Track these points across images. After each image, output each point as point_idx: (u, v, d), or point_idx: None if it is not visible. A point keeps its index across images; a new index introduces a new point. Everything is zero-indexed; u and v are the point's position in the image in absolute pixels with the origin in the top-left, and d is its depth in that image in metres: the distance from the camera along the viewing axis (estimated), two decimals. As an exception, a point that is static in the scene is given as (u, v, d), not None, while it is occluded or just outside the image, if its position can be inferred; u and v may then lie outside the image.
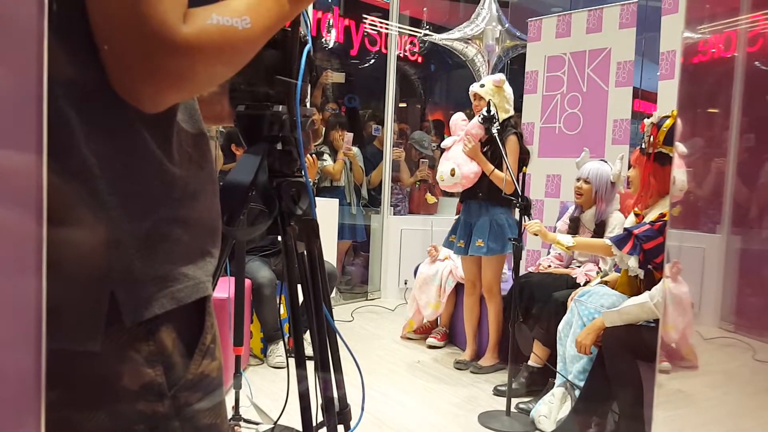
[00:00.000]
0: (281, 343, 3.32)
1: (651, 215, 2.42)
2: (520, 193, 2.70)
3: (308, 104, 1.55)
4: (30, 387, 0.44)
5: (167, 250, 0.66)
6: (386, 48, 5.40)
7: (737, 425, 1.27)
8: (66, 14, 0.58)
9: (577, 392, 2.50)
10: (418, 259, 4.54)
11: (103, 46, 0.58)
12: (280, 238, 1.16)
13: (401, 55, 6.02)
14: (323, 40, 5.80)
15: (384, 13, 5.42)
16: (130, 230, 0.62)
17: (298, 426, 1.13)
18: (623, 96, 4.12)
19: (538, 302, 3.08)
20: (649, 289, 2.35)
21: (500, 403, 2.78)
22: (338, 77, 5.28)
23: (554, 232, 3.15)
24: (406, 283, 5.02)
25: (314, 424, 1.16)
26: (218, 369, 0.73)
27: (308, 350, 1.29)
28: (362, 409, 1.28)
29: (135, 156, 0.64)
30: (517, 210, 2.74)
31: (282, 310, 3.37)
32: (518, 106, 4.97)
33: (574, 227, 3.22)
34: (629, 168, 2.65)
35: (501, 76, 3.32)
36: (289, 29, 1.10)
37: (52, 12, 0.55)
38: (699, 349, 1.74)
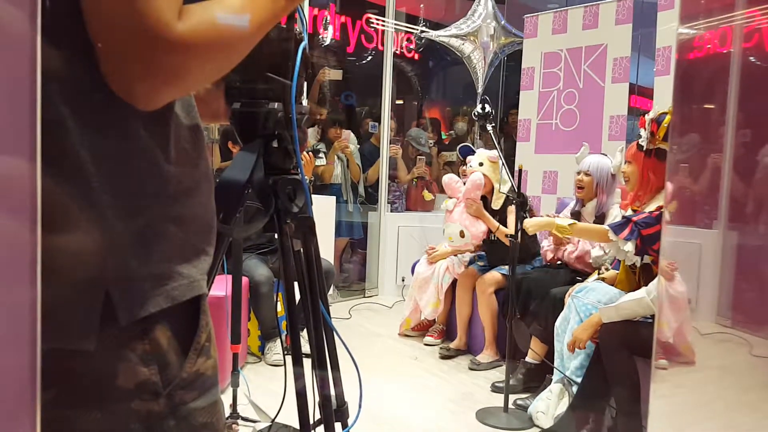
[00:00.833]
0: (279, 341, 3.32)
1: (649, 208, 2.43)
2: (516, 190, 2.69)
3: (304, 102, 1.54)
4: (25, 387, 0.43)
5: (162, 249, 0.66)
6: (383, 45, 5.39)
7: (734, 420, 1.28)
8: (60, 12, 0.57)
9: (574, 388, 2.51)
10: (415, 256, 4.54)
11: (99, 43, 0.58)
12: (277, 235, 1.15)
13: (398, 52, 6.01)
14: (320, 37, 5.78)
15: (380, 10, 5.42)
16: (124, 228, 0.62)
17: (296, 424, 1.13)
18: (620, 92, 4.12)
19: (535, 298, 3.08)
20: (648, 285, 2.36)
21: (498, 400, 2.79)
22: (336, 74, 5.27)
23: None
24: (403, 280, 5.02)
25: (311, 421, 1.16)
26: (213, 367, 0.72)
27: (306, 348, 1.29)
28: (359, 406, 1.28)
29: (130, 154, 0.63)
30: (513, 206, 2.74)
31: (279, 308, 3.37)
32: (515, 103, 4.97)
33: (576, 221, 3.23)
34: (625, 163, 2.66)
35: (494, 153, 3.45)
36: (284, 26, 1.10)
37: (46, 9, 0.55)
38: (696, 344, 1.75)
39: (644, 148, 2.43)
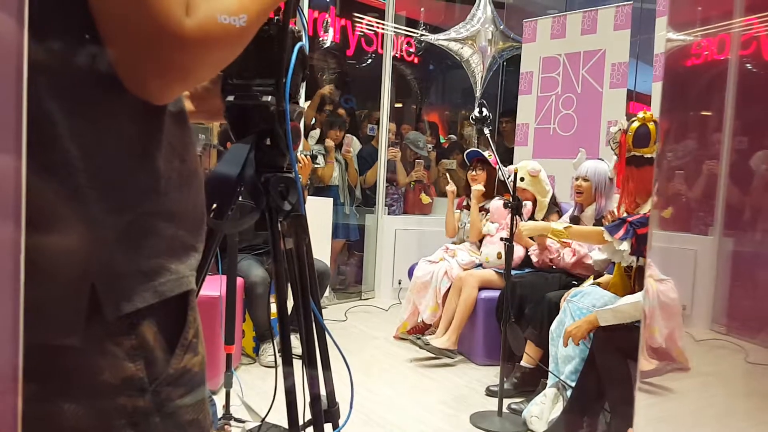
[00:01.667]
0: (273, 342, 3.31)
1: (644, 210, 2.44)
2: (512, 194, 2.70)
3: (301, 102, 1.54)
4: (7, 382, 0.43)
5: (150, 244, 0.65)
6: (382, 48, 5.40)
7: (728, 426, 1.27)
8: (56, 7, 0.57)
9: (569, 393, 2.50)
10: (412, 259, 4.53)
11: (109, 41, 0.58)
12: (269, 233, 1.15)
13: (398, 55, 6.02)
14: (320, 39, 5.79)
15: (380, 14, 5.42)
16: (111, 223, 0.62)
17: (286, 424, 1.13)
18: (617, 97, 4.13)
19: (530, 302, 3.08)
20: (642, 289, 2.36)
21: (492, 404, 2.78)
22: (333, 94, 5.28)
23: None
24: (400, 283, 5.01)
25: (302, 422, 1.16)
26: (201, 364, 0.72)
27: (299, 349, 1.28)
28: (351, 407, 1.28)
29: (118, 148, 0.63)
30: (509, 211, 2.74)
31: (273, 310, 3.36)
32: (513, 107, 4.98)
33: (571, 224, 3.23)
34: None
35: (536, 167, 3.59)
36: (281, 22, 1.10)
37: (39, 3, 0.55)
38: (690, 350, 1.74)
39: (617, 160, 2.48)
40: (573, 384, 2.47)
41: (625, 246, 2.34)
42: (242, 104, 1.10)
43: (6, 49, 0.41)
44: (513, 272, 2.88)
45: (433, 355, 3.52)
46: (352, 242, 5.49)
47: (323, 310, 4.28)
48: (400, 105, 6.86)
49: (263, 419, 1.46)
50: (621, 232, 2.34)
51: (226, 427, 2.30)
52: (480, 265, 3.75)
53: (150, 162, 0.65)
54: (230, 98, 1.10)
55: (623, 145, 2.43)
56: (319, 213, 4.43)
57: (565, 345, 2.46)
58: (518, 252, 3.51)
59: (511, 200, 2.68)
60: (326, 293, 4.55)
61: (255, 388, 2.83)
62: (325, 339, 1.26)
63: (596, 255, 2.98)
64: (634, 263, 2.44)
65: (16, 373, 0.44)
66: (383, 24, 5.21)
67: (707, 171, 1.50)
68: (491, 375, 3.29)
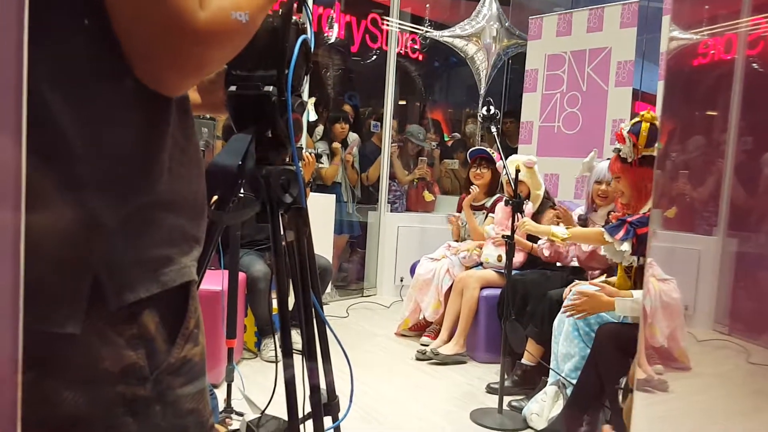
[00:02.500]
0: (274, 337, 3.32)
1: (644, 210, 2.43)
2: (513, 191, 2.69)
3: (304, 96, 1.53)
4: (6, 371, 0.43)
5: (152, 234, 0.66)
6: (387, 45, 5.39)
7: (730, 427, 1.27)
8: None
9: (569, 390, 2.50)
10: (414, 256, 4.53)
11: (125, 34, 0.59)
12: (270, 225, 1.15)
13: (402, 52, 6.00)
14: (324, 35, 5.78)
15: (385, 10, 5.41)
16: (113, 213, 0.62)
17: (286, 416, 1.12)
18: (623, 96, 4.11)
19: (532, 300, 3.07)
20: (641, 286, 2.35)
21: (492, 401, 2.78)
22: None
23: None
24: (402, 281, 5.01)
25: (300, 410, 1.16)
26: (201, 354, 0.72)
27: (299, 343, 1.28)
28: (350, 400, 1.27)
29: (123, 138, 0.64)
30: (510, 207, 2.73)
31: (275, 305, 3.36)
32: (518, 105, 4.97)
33: (583, 226, 3.22)
34: (612, 179, 2.66)
35: (532, 159, 3.59)
36: (285, 12, 1.10)
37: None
38: (692, 351, 1.74)
39: (628, 160, 2.44)
40: (574, 382, 2.47)
41: (626, 246, 2.33)
42: (243, 94, 1.10)
43: (6, 39, 0.41)
44: (513, 272, 2.87)
45: (415, 357, 3.54)
46: (353, 238, 5.49)
47: (325, 307, 4.27)
48: (403, 102, 6.84)
49: (263, 411, 1.46)
50: (621, 233, 2.34)
51: (227, 419, 2.30)
52: (480, 264, 3.75)
53: (154, 152, 0.65)
54: (232, 88, 1.10)
55: (637, 145, 2.41)
56: (321, 209, 4.43)
57: (567, 316, 2.45)
58: (518, 258, 3.50)
59: (513, 197, 2.68)
60: (328, 289, 4.55)
61: (256, 382, 2.83)
62: (326, 332, 1.25)
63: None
64: (635, 263, 2.43)
65: (16, 363, 0.44)
66: (388, 20, 5.20)
67: (712, 171, 1.49)
68: (492, 372, 3.29)
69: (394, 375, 3.23)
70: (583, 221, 3.22)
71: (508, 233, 2.71)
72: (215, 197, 1.08)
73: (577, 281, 3.08)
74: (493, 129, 2.95)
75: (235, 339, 2.37)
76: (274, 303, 3.34)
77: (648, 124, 2.37)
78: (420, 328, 3.96)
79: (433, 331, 3.83)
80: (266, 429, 1.42)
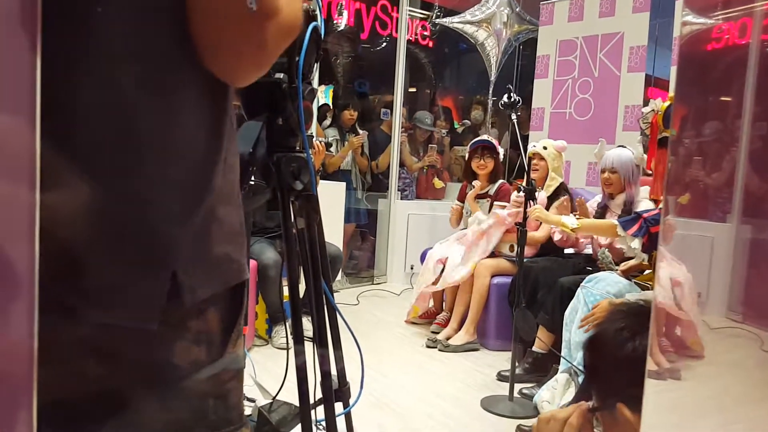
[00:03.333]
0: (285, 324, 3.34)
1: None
2: (526, 178, 2.68)
3: (315, 83, 1.53)
4: (22, 360, 0.43)
5: (216, 231, 0.66)
6: (397, 32, 5.35)
7: (743, 414, 1.26)
8: None
9: (580, 378, 2.50)
10: (424, 244, 4.53)
11: (202, 26, 0.59)
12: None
13: (412, 39, 5.97)
14: (334, 23, 5.75)
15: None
16: (192, 209, 0.62)
17: (297, 402, 1.13)
18: (635, 82, 4.07)
19: (543, 288, 3.06)
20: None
21: (503, 388, 2.79)
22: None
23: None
24: (412, 268, 5.01)
25: (312, 400, 1.16)
26: (241, 347, 0.74)
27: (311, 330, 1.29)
28: (361, 387, 1.28)
29: (197, 133, 0.64)
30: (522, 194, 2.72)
31: (285, 293, 3.37)
32: (529, 91, 4.93)
33: (602, 214, 3.20)
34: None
35: (563, 144, 3.62)
36: None
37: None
38: (705, 338, 1.73)
39: (645, 141, 2.43)
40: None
41: (636, 244, 2.32)
42: (254, 81, 1.09)
43: (17, 19, 0.41)
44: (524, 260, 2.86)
45: (426, 344, 3.55)
46: (362, 226, 5.50)
47: (335, 294, 4.27)
48: (413, 90, 6.81)
49: (274, 397, 1.47)
50: (634, 228, 2.32)
51: (238, 407, 2.32)
52: (493, 254, 3.73)
53: (220, 145, 0.66)
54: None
55: (655, 126, 2.37)
56: (331, 197, 4.43)
57: (586, 330, 2.45)
58: (528, 251, 3.48)
59: (525, 184, 2.67)
60: (338, 277, 4.56)
61: (267, 369, 2.85)
62: (336, 319, 1.26)
63: (634, 244, 2.93)
64: (645, 260, 2.42)
65: (32, 353, 0.44)
66: (398, 7, 5.16)
67: (726, 157, 1.48)
68: (502, 360, 3.29)
69: (404, 362, 3.24)
70: (602, 209, 3.20)
71: (515, 222, 2.71)
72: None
73: (588, 269, 3.07)
74: (514, 116, 2.93)
75: (246, 326, 2.39)
76: (285, 290, 3.35)
77: (669, 103, 2.33)
78: (430, 316, 3.96)
79: (444, 318, 3.83)
80: (278, 414, 1.43)
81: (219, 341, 0.68)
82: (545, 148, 3.59)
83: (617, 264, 2.85)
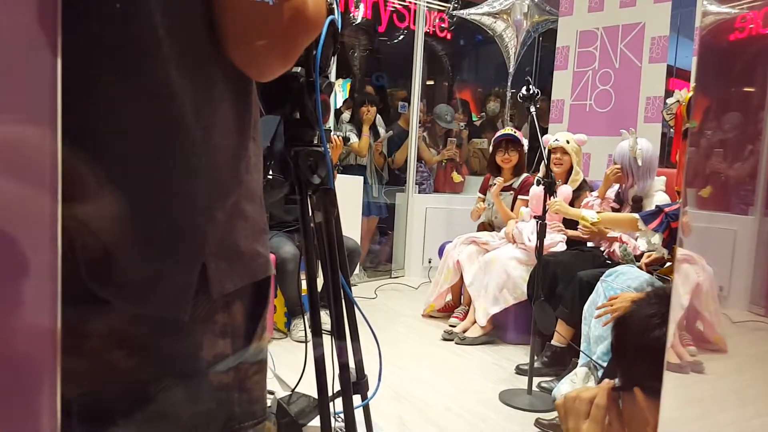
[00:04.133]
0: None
1: None
2: (546, 170, 2.66)
3: (332, 78, 1.53)
4: (45, 349, 0.44)
5: (242, 226, 0.67)
6: (415, 24, 5.33)
7: (763, 409, 1.25)
8: None
9: (600, 373, 2.48)
10: (442, 238, 4.52)
11: (231, 21, 0.60)
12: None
13: (430, 31, 5.94)
14: (351, 15, 5.74)
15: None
16: (221, 204, 0.63)
17: (316, 394, 1.14)
18: (657, 73, 4.01)
19: (562, 281, 3.05)
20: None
21: (522, 382, 2.78)
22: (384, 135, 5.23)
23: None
24: (430, 262, 5.01)
25: (331, 393, 1.17)
26: (266, 340, 0.74)
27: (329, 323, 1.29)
28: (379, 379, 1.29)
29: (233, 129, 0.65)
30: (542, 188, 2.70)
31: (305, 286, 3.39)
32: (548, 83, 4.88)
33: (618, 203, 3.18)
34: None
35: (584, 137, 3.63)
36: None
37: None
38: (727, 332, 1.71)
39: (671, 132, 2.39)
40: (605, 364, 2.45)
41: (657, 239, 2.29)
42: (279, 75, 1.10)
43: (40, 23, 0.41)
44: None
45: (442, 337, 3.56)
46: (381, 220, 5.50)
47: (353, 288, 4.29)
48: (431, 82, 6.78)
49: (293, 389, 1.48)
50: (655, 223, 2.29)
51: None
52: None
53: (246, 141, 0.66)
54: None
55: (679, 117, 2.34)
56: (349, 191, 4.44)
57: (604, 324, 2.43)
58: (555, 238, 3.46)
59: (545, 178, 2.65)
60: (356, 271, 4.58)
61: (286, 362, 2.87)
62: (354, 312, 1.26)
63: (655, 239, 2.89)
64: (666, 255, 2.39)
65: (55, 344, 0.45)
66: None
67: (748, 149, 1.45)
68: (521, 353, 3.28)
69: (422, 355, 3.25)
70: (620, 198, 3.17)
71: (535, 215, 2.69)
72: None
73: (607, 262, 3.05)
74: (533, 109, 2.91)
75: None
76: (304, 284, 3.37)
77: (691, 95, 2.30)
78: (449, 309, 3.96)
79: (462, 312, 3.83)
80: (296, 406, 1.44)
81: (244, 335, 0.69)
82: (568, 141, 3.58)
83: (638, 259, 2.82)
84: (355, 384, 1.29)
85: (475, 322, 3.56)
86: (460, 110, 6.15)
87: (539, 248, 2.68)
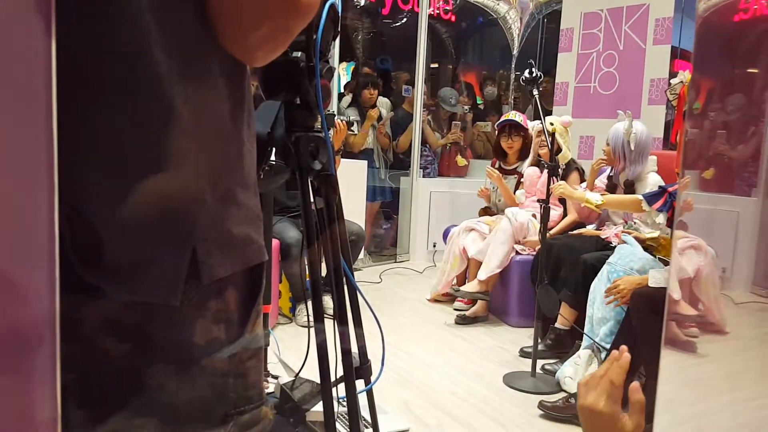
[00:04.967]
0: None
1: None
2: (551, 154, 2.65)
3: (335, 62, 1.53)
4: (45, 336, 0.45)
5: (235, 212, 0.67)
6: (419, 6, 5.29)
7: (764, 390, 1.25)
8: None
9: (603, 354, 2.49)
10: (447, 221, 4.52)
11: (220, 4, 0.59)
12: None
13: (434, 13, 5.89)
14: (354, -2, 5.70)
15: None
16: (212, 190, 0.63)
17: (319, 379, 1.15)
18: (661, 54, 3.98)
19: (566, 264, 3.05)
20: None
21: (526, 364, 2.79)
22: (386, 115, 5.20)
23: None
24: (434, 246, 5.02)
25: (334, 378, 1.18)
26: (261, 326, 0.75)
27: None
28: (382, 364, 1.30)
29: (224, 114, 0.65)
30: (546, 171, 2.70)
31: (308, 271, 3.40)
32: (552, 65, 4.85)
33: (611, 186, 3.17)
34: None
35: (568, 119, 3.61)
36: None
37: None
38: (729, 313, 1.71)
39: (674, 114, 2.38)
40: (608, 346, 2.46)
41: (662, 219, 2.29)
42: (272, 61, 1.10)
43: (33, 21, 0.41)
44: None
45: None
46: (385, 204, 5.50)
47: (358, 272, 4.31)
48: (435, 65, 6.74)
49: (297, 374, 1.50)
50: (659, 203, 2.29)
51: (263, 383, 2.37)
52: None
53: (239, 127, 0.67)
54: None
55: (682, 98, 2.33)
56: (353, 176, 4.43)
57: (608, 302, 2.44)
58: (555, 216, 3.46)
59: (548, 161, 2.64)
60: (361, 255, 4.59)
61: (291, 346, 2.89)
62: (356, 296, 1.27)
63: (659, 219, 2.88)
64: (669, 235, 2.39)
65: (54, 329, 0.45)
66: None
67: (751, 131, 1.45)
68: (525, 336, 3.30)
69: (427, 339, 3.27)
70: (611, 182, 3.16)
71: (538, 198, 2.69)
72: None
73: (610, 245, 3.04)
74: (535, 92, 2.90)
75: (269, 305, 2.42)
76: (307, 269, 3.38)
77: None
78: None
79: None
80: (300, 392, 1.46)
81: (238, 321, 0.69)
82: (552, 124, 3.56)
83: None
84: (358, 369, 1.30)
85: (475, 277, 3.60)
86: (464, 93, 6.12)
87: (543, 231, 2.68)
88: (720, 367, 1.37)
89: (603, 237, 3.08)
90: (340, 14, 1.19)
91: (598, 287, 2.65)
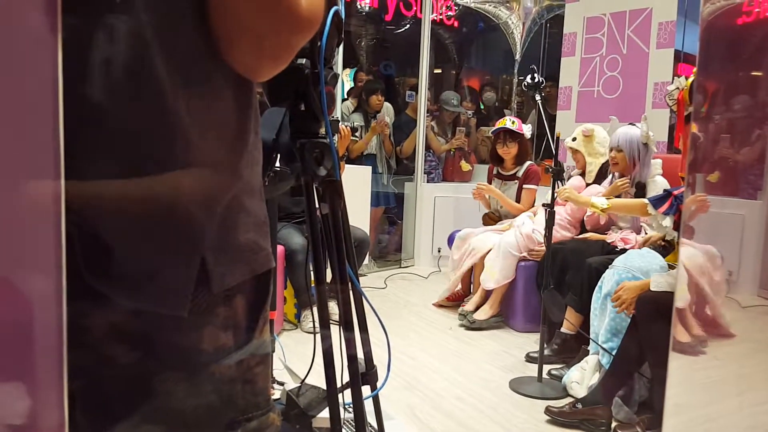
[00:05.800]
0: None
1: None
2: (554, 158, 2.65)
3: (338, 68, 1.53)
4: (52, 343, 0.45)
5: (242, 220, 0.68)
6: (422, 12, 5.30)
7: (770, 395, 1.24)
8: None
9: (607, 359, 2.48)
10: (452, 226, 4.52)
11: (225, 21, 0.60)
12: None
13: (437, 19, 5.90)
14: (358, 4, 5.72)
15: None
16: (220, 198, 0.64)
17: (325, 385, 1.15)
18: (665, 58, 3.98)
19: (571, 269, 3.04)
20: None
21: (532, 369, 2.79)
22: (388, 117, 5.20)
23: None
24: (439, 251, 5.01)
25: (340, 384, 1.18)
26: (268, 332, 0.75)
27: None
28: (388, 369, 1.30)
29: (231, 123, 0.65)
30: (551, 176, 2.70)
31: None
32: (556, 69, 4.86)
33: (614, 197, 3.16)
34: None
35: (589, 126, 3.61)
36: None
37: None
38: (736, 317, 1.70)
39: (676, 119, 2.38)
40: (614, 351, 2.45)
41: (668, 222, 2.29)
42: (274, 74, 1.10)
43: (39, 36, 0.42)
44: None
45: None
46: (389, 209, 5.50)
47: (363, 278, 4.30)
48: (439, 71, 6.75)
49: (302, 380, 1.49)
50: (665, 206, 2.28)
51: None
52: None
53: (246, 137, 0.67)
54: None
55: (681, 103, 2.33)
56: (358, 182, 4.44)
57: (617, 307, 2.44)
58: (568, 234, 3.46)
59: (552, 166, 2.64)
60: (366, 261, 4.59)
61: (297, 353, 2.89)
62: (362, 302, 1.27)
63: (666, 222, 2.87)
64: (676, 238, 2.39)
65: (61, 335, 0.45)
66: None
67: (756, 134, 1.44)
68: (531, 341, 3.29)
69: (432, 344, 3.26)
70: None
71: (543, 204, 2.68)
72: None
73: (615, 249, 3.04)
74: (538, 97, 2.90)
75: (275, 311, 2.42)
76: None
77: (694, 79, 2.29)
78: (458, 298, 3.97)
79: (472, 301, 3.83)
80: (306, 398, 1.46)
81: (246, 328, 0.70)
82: (574, 139, 3.61)
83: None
84: (364, 375, 1.30)
85: (482, 303, 3.59)
86: (468, 98, 6.13)
87: (548, 236, 2.68)
88: (728, 371, 1.36)
89: (609, 241, 3.08)
90: (343, 21, 1.20)
91: (596, 299, 2.66)
